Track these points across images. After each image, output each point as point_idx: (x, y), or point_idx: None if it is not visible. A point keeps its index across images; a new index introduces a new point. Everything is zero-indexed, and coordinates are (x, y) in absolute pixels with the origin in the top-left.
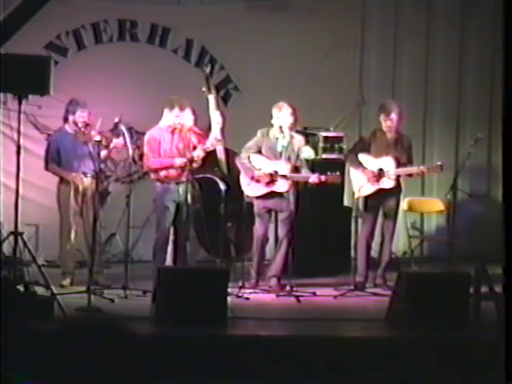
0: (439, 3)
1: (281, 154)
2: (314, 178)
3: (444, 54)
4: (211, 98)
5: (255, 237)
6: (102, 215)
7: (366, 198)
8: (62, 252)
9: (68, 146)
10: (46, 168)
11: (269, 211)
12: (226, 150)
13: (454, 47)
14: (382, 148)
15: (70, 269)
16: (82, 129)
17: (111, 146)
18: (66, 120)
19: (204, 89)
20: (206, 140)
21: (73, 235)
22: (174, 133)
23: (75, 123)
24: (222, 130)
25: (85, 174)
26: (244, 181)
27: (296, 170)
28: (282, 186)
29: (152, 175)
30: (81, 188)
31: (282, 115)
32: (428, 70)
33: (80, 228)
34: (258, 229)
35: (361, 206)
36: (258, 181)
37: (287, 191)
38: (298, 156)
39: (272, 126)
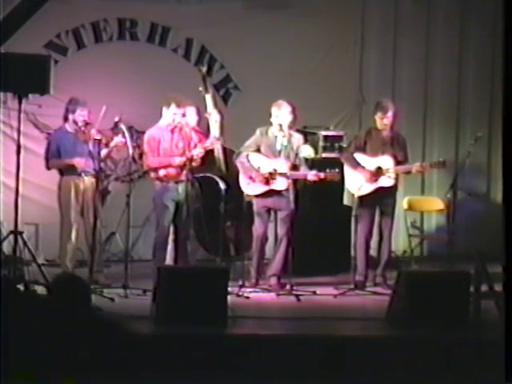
0: (439, 3)
1: (280, 152)
2: (312, 176)
3: (444, 54)
4: (208, 97)
5: (255, 236)
6: (102, 214)
7: (364, 196)
8: (62, 251)
9: (68, 145)
10: (47, 167)
11: (268, 210)
12: (224, 149)
13: (454, 47)
14: (377, 146)
15: (70, 268)
16: (82, 128)
17: (112, 144)
18: (66, 119)
19: (201, 88)
20: (206, 139)
21: (73, 234)
22: (174, 132)
23: (75, 122)
24: (221, 128)
25: (85, 173)
26: (243, 180)
27: (295, 168)
28: (280, 184)
29: (152, 174)
30: (82, 187)
31: (282, 113)
32: (428, 70)
33: (81, 227)
34: (257, 228)
35: (359, 205)
36: (255, 180)
37: (286, 189)
38: (296, 154)
39: (271, 124)
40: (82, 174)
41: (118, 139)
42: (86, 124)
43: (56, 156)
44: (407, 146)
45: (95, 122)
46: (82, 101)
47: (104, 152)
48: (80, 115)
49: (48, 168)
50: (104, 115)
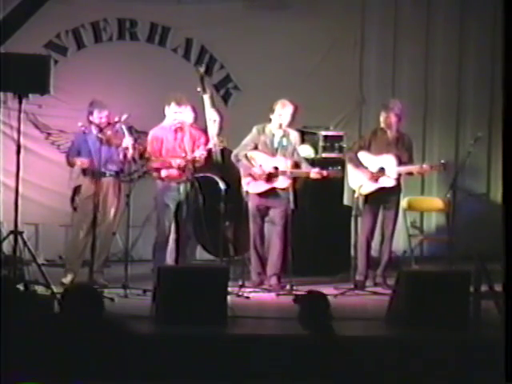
0: (439, 3)
1: (276, 150)
2: (315, 173)
3: (444, 54)
4: (206, 97)
5: (251, 235)
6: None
7: (366, 196)
8: (72, 249)
9: (88, 147)
10: (69, 164)
11: (264, 209)
12: (222, 150)
13: (454, 47)
14: (382, 146)
15: (75, 267)
16: (95, 128)
17: (123, 145)
18: (88, 121)
19: (199, 89)
20: (205, 136)
21: (84, 233)
22: (178, 132)
23: (93, 124)
24: (220, 129)
25: (104, 174)
26: (244, 179)
27: (296, 165)
28: (282, 182)
29: (154, 174)
30: (98, 188)
31: (285, 112)
32: (428, 70)
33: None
34: (251, 228)
35: (361, 205)
36: (257, 178)
37: (287, 188)
38: (293, 152)
39: (269, 121)
40: (100, 175)
41: (127, 141)
42: (108, 124)
43: (75, 154)
44: (413, 147)
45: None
46: (100, 103)
47: (121, 154)
48: (97, 117)
49: (69, 164)
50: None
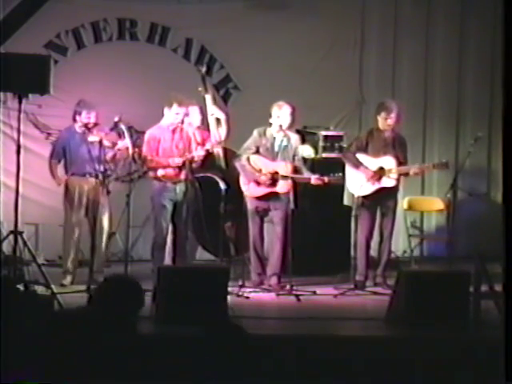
0: (439, 3)
1: (277, 153)
2: (315, 180)
3: (444, 54)
4: (208, 97)
5: (250, 236)
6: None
7: (365, 197)
8: (65, 251)
9: (74, 146)
10: (50, 166)
11: (263, 210)
12: (225, 148)
13: (454, 47)
14: (379, 147)
15: (72, 268)
16: (82, 128)
17: (117, 147)
18: (74, 120)
19: (200, 88)
20: (210, 137)
21: (76, 235)
22: (175, 132)
23: (81, 124)
24: (228, 126)
25: (90, 174)
26: (244, 182)
27: (296, 170)
28: (283, 186)
29: (150, 173)
30: (86, 188)
31: (282, 114)
32: (428, 70)
33: (83, 228)
34: (251, 228)
35: (360, 205)
36: (259, 183)
37: (287, 192)
38: (294, 156)
39: (269, 125)
40: (87, 176)
41: (122, 143)
42: (95, 125)
43: (60, 156)
44: (407, 147)
45: (103, 125)
46: (89, 103)
47: (110, 154)
48: (86, 117)
49: (50, 166)
50: None
